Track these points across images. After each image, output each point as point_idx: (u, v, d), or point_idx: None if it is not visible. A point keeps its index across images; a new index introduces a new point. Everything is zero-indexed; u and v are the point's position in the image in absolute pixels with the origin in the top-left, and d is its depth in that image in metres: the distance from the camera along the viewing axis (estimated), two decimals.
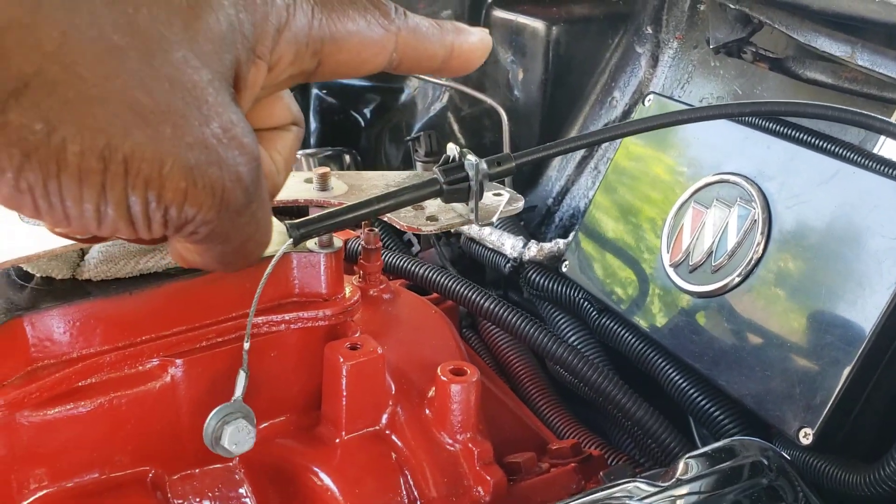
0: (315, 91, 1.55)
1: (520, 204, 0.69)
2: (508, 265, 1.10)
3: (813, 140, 0.78)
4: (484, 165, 0.63)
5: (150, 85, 0.30)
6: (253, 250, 0.38)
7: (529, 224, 1.28)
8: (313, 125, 1.59)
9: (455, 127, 1.39)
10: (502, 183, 0.77)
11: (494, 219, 0.66)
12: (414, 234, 1.31)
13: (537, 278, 1.06)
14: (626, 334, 0.92)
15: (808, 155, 0.76)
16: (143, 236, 0.33)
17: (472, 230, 1.14)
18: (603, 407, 0.92)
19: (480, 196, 0.64)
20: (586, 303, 1.00)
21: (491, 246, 1.13)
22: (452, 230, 1.19)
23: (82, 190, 0.30)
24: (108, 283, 0.67)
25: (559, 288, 1.03)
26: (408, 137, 1.38)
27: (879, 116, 0.65)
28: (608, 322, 0.96)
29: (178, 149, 0.31)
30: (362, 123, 1.54)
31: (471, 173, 0.63)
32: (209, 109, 0.32)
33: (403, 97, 1.48)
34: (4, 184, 0.30)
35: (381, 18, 0.39)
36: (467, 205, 0.66)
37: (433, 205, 0.69)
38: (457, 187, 0.64)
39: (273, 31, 0.35)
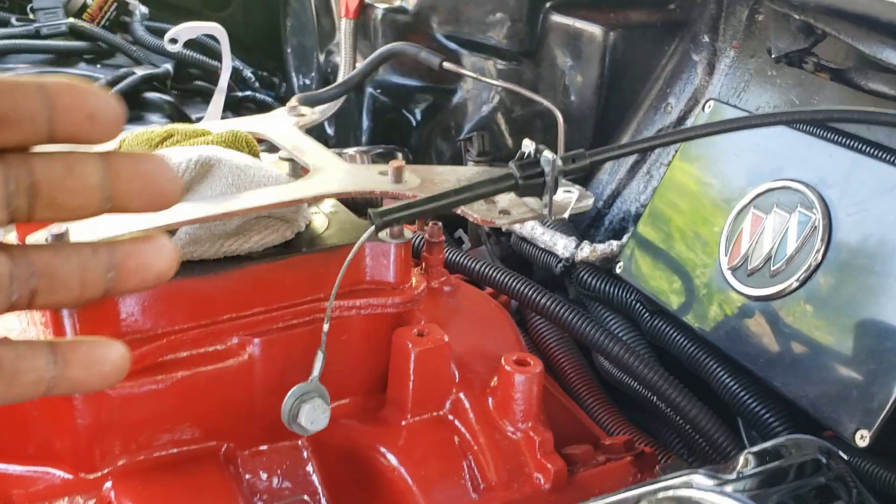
0: (369, 90, 1.58)
1: (590, 201, 0.71)
2: (560, 265, 1.12)
3: (875, 151, 0.79)
4: (559, 162, 0.66)
5: None
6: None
7: (579, 226, 1.30)
8: (365, 123, 1.62)
9: (505, 128, 1.42)
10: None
11: (566, 214, 0.68)
12: (464, 232, 1.34)
13: (590, 279, 1.07)
14: (679, 336, 0.94)
15: (871, 164, 0.78)
16: None
17: (525, 229, 1.16)
18: (652, 405, 0.94)
19: (555, 191, 0.67)
20: (639, 304, 1.01)
21: (543, 245, 1.15)
22: (504, 229, 1.21)
23: None
24: (193, 264, 0.70)
25: (612, 289, 1.05)
26: (459, 137, 1.41)
27: None
28: (661, 324, 0.97)
29: None
30: (413, 123, 1.56)
31: (546, 169, 0.66)
32: None
33: (455, 98, 1.50)
34: None
35: None
36: (540, 200, 0.68)
37: (505, 199, 0.71)
38: (531, 182, 0.66)
39: None
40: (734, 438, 0.82)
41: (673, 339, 0.95)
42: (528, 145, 0.67)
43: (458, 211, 0.70)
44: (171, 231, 0.71)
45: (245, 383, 0.71)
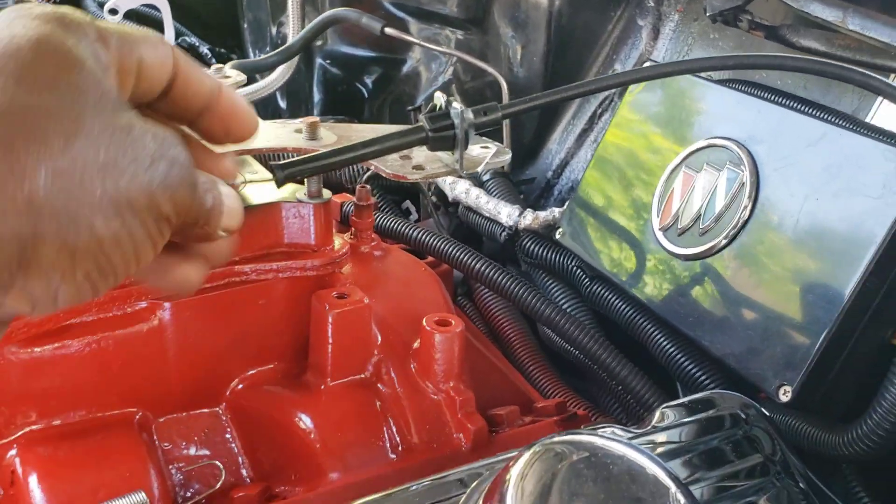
0: (319, 61, 1.56)
1: (506, 157, 0.69)
2: (504, 233, 1.11)
3: (801, 106, 0.78)
4: (469, 114, 0.64)
5: (102, 154, 0.37)
6: (205, 201, 0.42)
7: (529, 196, 1.29)
8: (317, 96, 1.60)
9: (456, 99, 1.40)
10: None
11: (480, 168, 0.66)
12: (412, 204, 1.32)
13: (532, 246, 1.06)
14: (616, 300, 0.93)
15: (797, 118, 0.77)
16: (159, 248, 0.40)
17: (470, 199, 1.15)
18: (592, 372, 0.93)
19: (465, 145, 0.65)
20: (579, 270, 1.00)
21: (487, 214, 1.13)
22: (452, 198, 1.20)
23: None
24: None
25: (553, 256, 1.04)
26: (409, 107, 1.39)
27: (877, 76, 0.64)
28: (598, 289, 0.96)
29: (147, 173, 0.38)
30: (365, 94, 1.55)
31: (456, 121, 0.64)
32: (136, 134, 0.38)
33: (406, 68, 1.48)
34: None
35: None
36: (453, 154, 0.67)
37: (420, 155, 0.69)
38: (442, 135, 0.65)
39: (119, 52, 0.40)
40: (665, 397, 0.81)
41: (611, 304, 0.94)
42: (439, 97, 0.65)
43: (371, 165, 0.68)
44: None
45: (156, 349, 0.69)
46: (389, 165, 0.68)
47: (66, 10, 0.39)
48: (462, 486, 0.58)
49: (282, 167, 0.61)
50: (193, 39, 1.93)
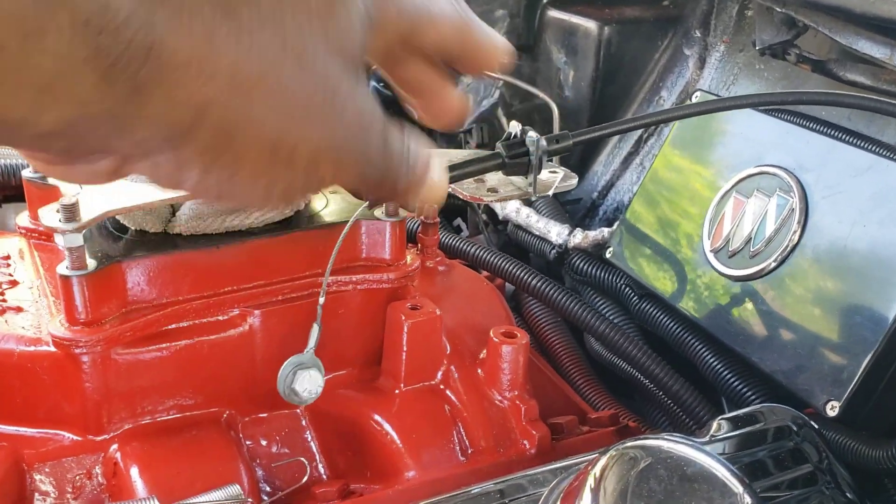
0: (372, 84, 1.62)
1: (574, 181, 0.74)
2: (553, 251, 1.15)
3: (849, 137, 0.83)
4: (543, 142, 0.69)
5: (302, 90, 0.35)
6: (403, 166, 0.42)
7: (574, 216, 1.34)
8: None
9: (504, 122, 1.45)
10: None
11: (551, 192, 0.71)
12: (462, 221, 1.38)
13: (581, 264, 1.11)
14: (665, 317, 0.97)
15: (845, 149, 0.81)
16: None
17: (521, 217, 1.20)
18: (640, 386, 0.98)
19: (539, 170, 0.70)
20: (628, 288, 1.05)
21: (537, 233, 1.18)
22: (502, 216, 1.25)
23: (258, 181, 0.36)
24: (196, 238, 0.73)
25: (602, 274, 1.08)
26: (459, 130, 1.45)
27: None
28: (647, 306, 1.01)
29: (326, 137, 0.37)
30: (415, 116, 1.60)
31: (531, 148, 0.69)
32: (343, 100, 0.37)
33: None
34: (191, 180, 0.36)
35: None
36: (526, 178, 0.72)
37: (493, 179, 0.74)
38: (517, 161, 0.70)
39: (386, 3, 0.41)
40: (714, 411, 0.85)
41: (659, 322, 0.98)
42: (515, 126, 0.70)
43: (449, 189, 0.74)
44: (174, 206, 0.75)
45: (245, 353, 0.75)
46: (466, 188, 0.73)
47: None
48: (522, 490, 0.63)
49: None
50: None
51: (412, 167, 0.43)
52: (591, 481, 0.51)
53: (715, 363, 0.89)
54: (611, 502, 0.49)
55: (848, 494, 0.69)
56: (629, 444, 0.53)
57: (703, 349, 0.91)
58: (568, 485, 0.54)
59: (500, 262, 1.02)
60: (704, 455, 0.52)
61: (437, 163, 0.46)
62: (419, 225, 0.91)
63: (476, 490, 0.61)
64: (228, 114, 0.33)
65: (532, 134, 0.69)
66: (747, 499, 0.51)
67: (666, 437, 0.63)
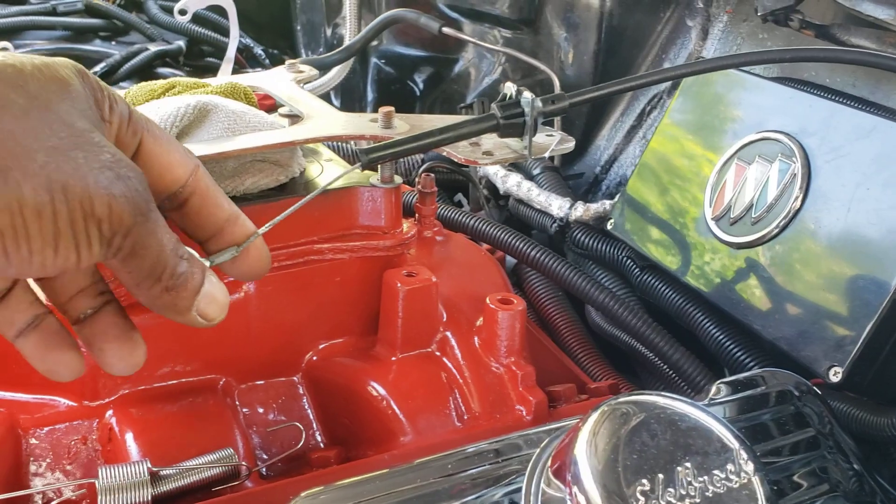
0: (374, 60, 1.61)
1: (570, 144, 0.73)
2: (555, 225, 1.15)
3: (851, 102, 0.81)
4: (538, 102, 0.68)
5: (56, 141, 0.40)
6: (170, 258, 0.46)
7: (577, 191, 1.33)
8: (370, 94, 1.65)
9: (526, 88, 1.44)
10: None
11: (546, 154, 0.71)
12: (463, 196, 1.37)
13: (583, 237, 1.10)
14: (666, 288, 0.96)
15: (848, 112, 0.80)
16: (84, 257, 0.42)
17: (521, 191, 1.19)
18: (640, 356, 0.97)
19: (534, 132, 0.69)
20: (629, 260, 1.04)
21: (538, 207, 1.17)
22: (503, 191, 1.24)
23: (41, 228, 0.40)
24: None
25: (603, 247, 1.07)
26: (461, 105, 1.44)
27: None
28: (649, 278, 1.00)
29: (92, 173, 0.41)
30: (417, 92, 1.60)
31: (526, 109, 0.68)
32: (98, 146, 0.42)
33: (457, 67, 1.53)
34: None
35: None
36: (521, 140, 0.71)
37: (489, 142, 0.74)
38: (512, 122, 0.69)
39: (106, 107, 0.46)
40: (713, 378, 0.84)
41: (661, 292, 0.97)
42: (509, 87, 0.70)
43: (444, 151, 0.73)
44: None
45: (241, 319, 0.74)
46: (461, 151, 0.72)
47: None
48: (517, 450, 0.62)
49: (365, 152, 0.66)
50: (248, 41, 2.00)
51: (183, 275, 0.47)
52: (582, 436, 0.50)
53: (717, 332, 0.88)
54: (603, 457, 0.49)
55: (851, 460, 0.68)
56: (622, 399, 0.52)
57: (705, 319, 0.90)
58: (560, 442, 0.53)
59: (500, 234, 1.01)
60: (699, 411, 0.52)
61: (214, 280, 0.50)
62: (417, 194, 0.90)
63: (471, 449, 0.61)
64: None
65: (527, 94, 0.68)
66: (744, 454, 0.50)
67: (659, 393, 0.62)
